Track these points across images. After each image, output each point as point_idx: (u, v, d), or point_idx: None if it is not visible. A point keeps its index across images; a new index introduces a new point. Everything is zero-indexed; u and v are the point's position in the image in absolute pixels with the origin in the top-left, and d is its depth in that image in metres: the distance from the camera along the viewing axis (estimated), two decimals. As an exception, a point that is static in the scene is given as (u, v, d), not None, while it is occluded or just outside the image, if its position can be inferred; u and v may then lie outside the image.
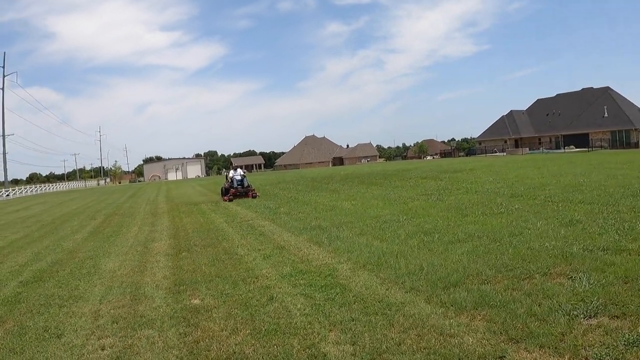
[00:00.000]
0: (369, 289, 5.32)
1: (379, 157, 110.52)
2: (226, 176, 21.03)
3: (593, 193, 11.15)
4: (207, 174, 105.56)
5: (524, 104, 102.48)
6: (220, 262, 7.53)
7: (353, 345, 3.86)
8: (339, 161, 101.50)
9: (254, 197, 18.67)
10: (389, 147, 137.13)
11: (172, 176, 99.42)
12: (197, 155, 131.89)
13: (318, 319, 4.51)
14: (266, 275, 6.46)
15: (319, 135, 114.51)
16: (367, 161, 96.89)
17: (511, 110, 74.79)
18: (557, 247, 6.14)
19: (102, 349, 4.39)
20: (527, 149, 65.13)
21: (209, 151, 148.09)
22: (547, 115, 69.94)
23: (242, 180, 19.43)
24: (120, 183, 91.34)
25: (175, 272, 7.22)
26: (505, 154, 62.47)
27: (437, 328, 4.01)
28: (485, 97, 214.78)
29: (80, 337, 4.75)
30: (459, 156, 74.19)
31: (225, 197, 18.75)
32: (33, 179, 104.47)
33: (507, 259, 5.81)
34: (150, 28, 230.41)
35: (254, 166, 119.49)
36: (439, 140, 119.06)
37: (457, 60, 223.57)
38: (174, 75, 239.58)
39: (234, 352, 3.98)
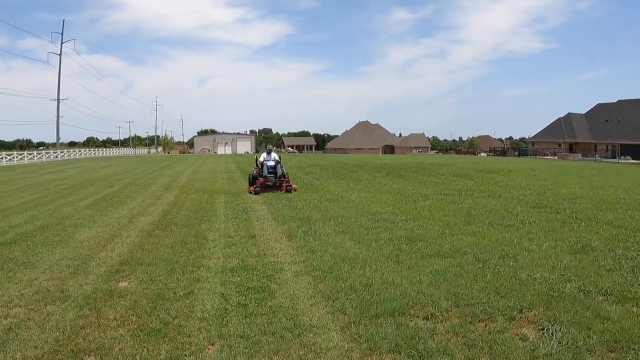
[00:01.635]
0: (293, 300, 4.71)
1: (432, 149, 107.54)
2: (256, 159, 16.02)
3: (627, 214, 9.64)
4: (256, 150, 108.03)
5: (583, 108, 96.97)
6: (181, 245, 7.19)
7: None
8: (389, 149, 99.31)
9: (288, 191, 13.92)
10: (444, 140, 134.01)
11: (221, 150, 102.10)
12: (252, 132, 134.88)
13: (209, 328, 4.04)
14: (208, 267, 6.04)
15: (372, 122, 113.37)
16: (419, 152, 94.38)
17: (569, 113, 69.92)
18: (548, 282, 5.06)
19: (5, 318, 4.32)
20: (580, 155, 60.03)
21: (264, 129, 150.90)
22: (606, 121, 64.86)
23: (275, 167, 14.70)
24: (169, 153, 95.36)
25: (133, 250, 6.93)
26: (556, 157, 58.47)
27: None
28: (546, 97, 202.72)
29: None
30: (514, 156, 70.85)
31: (251, 188, 14.22)
32: (90, 142, 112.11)
33: (477, 289, 4.87)
34: (216, 3, 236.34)
35: (306, 147, 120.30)
36: (495, 137, 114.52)
37: (523, 56, 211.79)
38: (236, 51, 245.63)
39: (103, 347, 3.71)
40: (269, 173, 14.59)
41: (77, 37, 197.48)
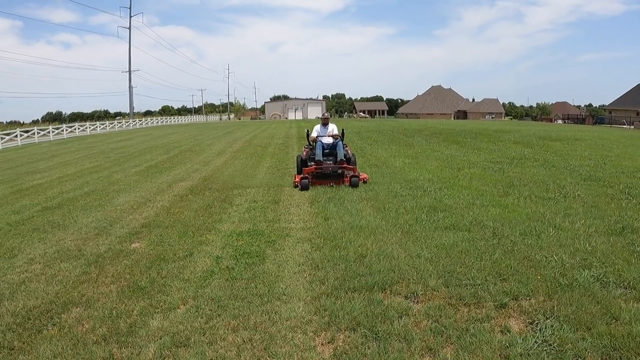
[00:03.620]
0: (279, 267, 4.71)
1: (506, 115, 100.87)
2: (307, 134, 10.75)
3: None
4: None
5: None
6: (205, 210, 7.47)
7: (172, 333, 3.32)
8: (462, 115, 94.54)
9: (354, 185, 8.93)
10: (521, 106, 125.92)
11: (291, 116, 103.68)
12: (324, 97, 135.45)
13: (188, 289, 4.22)
14: (219, 230, 6.21)
15: (445, 87, 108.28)
16: (492, 118, 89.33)
17: (650, 78, 61.24)
18: (563, 266, 4.45)
19: (23, 273, 4.83)
20: (660, 125, 52.86)
21: (337, 94, 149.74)
22: (693, 88, 55.02)
23: (334, 147, 9.82)
24: (240, 119, 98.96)
25: (159, 213, 7.31)
26: (632, 127, 52.11)
27: (270, 338, 3.18)
28: (629, 62, 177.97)
29: (22, 259, 5.29)
30: (591, 124, 64.88)
31: (297, 179, 9.41)
32: (165, 111, 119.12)
33: (478, 268, 4.44)
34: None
35: (378, 112, 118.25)
36: (574, 105, 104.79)
37: (603, 19, 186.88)
38: (307, 17, 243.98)
39: (90, 301, 4.03)
40: (324, 155, 9.65)
41: (150, 9, 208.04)
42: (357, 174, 9.38)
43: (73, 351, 3.21)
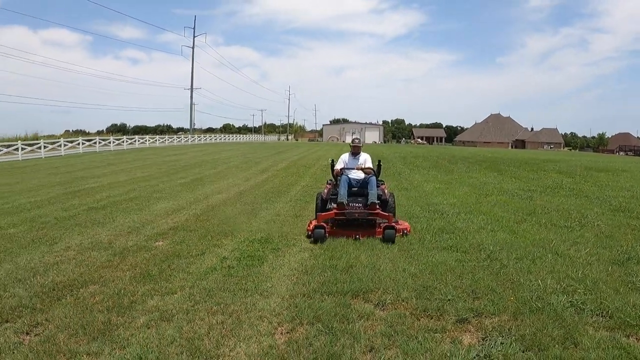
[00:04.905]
0: (273, 269, 5.18)
1: (565, 146, 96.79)
2: (331, 165, 8.21)
3: None
4: (384, 141, 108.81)
5: None
6: (230, 219, 8.10)
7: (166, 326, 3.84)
8: (520, 144, 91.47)
9: (387, 238, 6.44)
10: (583, 137, 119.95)
11: (348, 139, 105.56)
12: (384, 122, 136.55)
13: (189, 279, 4.82)
14: (235, 236, 6.85)
15: (504, 114, 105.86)
16: (551, 148, 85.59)
17: None
18: (542, 291, 4.50)
19: (58, 257, 5.67)
20: None
21: (396, 119, 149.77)
22: None
23: (365, 184, 7.39)
24: (297, 140, 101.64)
25: (188, 219, 8.02)
26: None
27: (239, 323, 3.61)
28: None
29: (60, 247, 6.17)
30: None
31: (311, 225, 6.98)
32: (226, 129, 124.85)
33: (455, 286, 4.62)
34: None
35: (435, 139, 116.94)
36: (636, 136, 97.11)
37: None
38: (371, 42, 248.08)
39: (105, 281, 4.75)
40: (350, 195, 7.21)
41: (215, 29, 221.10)
42: (394, 223, 6.87)
43: (80, 315, 3.89)
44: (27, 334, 3.65)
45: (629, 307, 4.09)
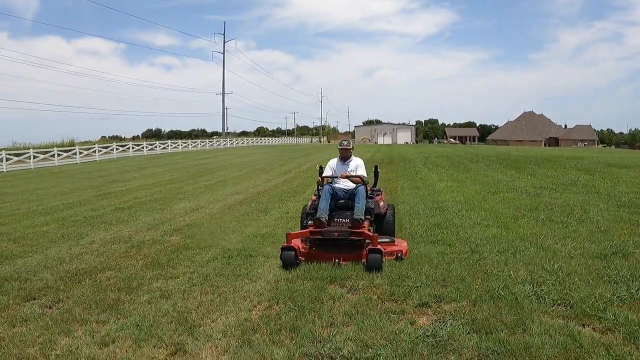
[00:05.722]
0: (267, 259, 5.75)
1: (600, 143, 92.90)
2: (319, 172, 7.07)
3: None
4: (416, 141, 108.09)
5: None
6: (243, 217, 8.66)
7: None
8: (553, 142, 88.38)
9: (371, 264, 5.23)
10: (620, 133, 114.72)
11: (380, 140, 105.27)
12: (417, 122, 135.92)
13: (191, 266, 5.44)
14: (242, 232, 7.39)
15: (537, 112, 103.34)
16: (585, 145, 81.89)
17: None
18: (510, 281, 4.76)
19: (81, 249, 6.48)
20: None
21: (430, 119, 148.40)
22: None
23: (352, 194, 6.25)
24: (329, 142, 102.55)
25: (204, 217, 8.66)
26: None
27: (225, 301, 4.20)
28: None
29: (86, 240, 7.04)
30: None
31: (285, 245, 5.51)
32: (260, 132, 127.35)
33: (428, 275, 4.98)
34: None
35: (468, 138, 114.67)
36: None
37: None
38: (402, 42, 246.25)
39: (119, 267, 5.45)
40: (336, 209, 6.26)
41: (247, 34, 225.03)
42: (387, 241, 5.94)
43: (95, 293, 4.59)
44: (50, 307, 4.36)
45: (594, 298, 4.17)
